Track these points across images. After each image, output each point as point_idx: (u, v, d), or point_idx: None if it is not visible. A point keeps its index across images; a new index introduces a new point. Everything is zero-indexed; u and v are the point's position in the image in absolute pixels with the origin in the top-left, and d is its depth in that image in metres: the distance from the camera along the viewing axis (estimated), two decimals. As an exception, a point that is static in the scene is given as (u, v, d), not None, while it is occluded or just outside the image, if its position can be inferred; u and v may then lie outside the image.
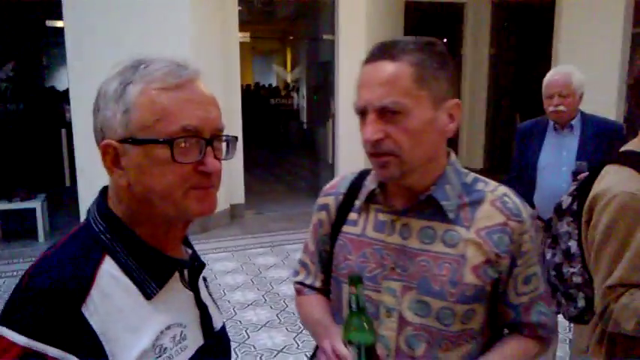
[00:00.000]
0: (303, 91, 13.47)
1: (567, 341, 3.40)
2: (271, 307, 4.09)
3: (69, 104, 5.92)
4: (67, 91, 6.28)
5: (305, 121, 12.95)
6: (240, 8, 6.78)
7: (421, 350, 1.09)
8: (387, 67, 1.01)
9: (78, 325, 0.76)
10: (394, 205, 1.14)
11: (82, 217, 0.94)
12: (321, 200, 1.28)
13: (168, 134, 0.82)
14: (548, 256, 1.70)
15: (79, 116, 5.45)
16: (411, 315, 1.09)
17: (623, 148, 1.53)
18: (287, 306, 4.09)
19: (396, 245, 1.11)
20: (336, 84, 7.08)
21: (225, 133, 0.90)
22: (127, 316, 0.82)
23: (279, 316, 3.93)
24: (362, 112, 1.05)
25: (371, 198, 1.17)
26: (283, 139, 13.15)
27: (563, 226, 1.64)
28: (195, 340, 0.92)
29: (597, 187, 1.46)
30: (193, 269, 0.97)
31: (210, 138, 0.85)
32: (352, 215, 1.20)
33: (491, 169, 8.89)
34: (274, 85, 16.28)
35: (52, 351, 0.74)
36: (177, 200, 0.84)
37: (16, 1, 7.24)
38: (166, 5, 5.53)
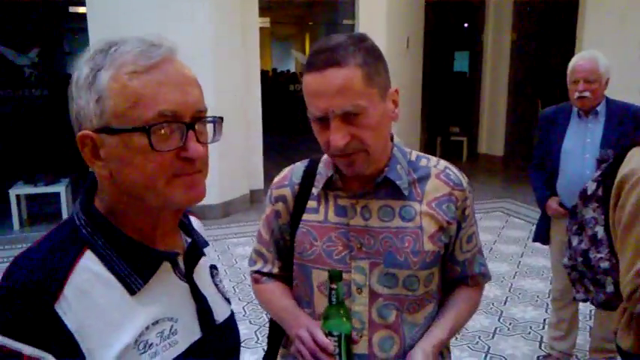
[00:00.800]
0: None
1: (587, 329, 3.39)
2: (291, 292, 4.12)
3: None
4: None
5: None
6: (260, -7, 6.76)
7: (392, 317, 1.20)
8: (338, 74, 1.05)
9: (51, 324, 0.74)
10: (352, 189, 1.22)
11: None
12: (275, 192, 1.32)
13: (144, 121, 0.77)
14: (575, 242, 1.69)
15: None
16: (380, 287, 1.19)
17: None
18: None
19: (360, 226, 1.20)
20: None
21: (211, 114, 0.85)
22: (108, 312, 0.79)
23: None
24: (321, 119, 1.09)
25: (328, 185, 1.24)
26: (302, 125, 13.14)
27: (589, 212, 1.62)
28: (189, 334, 0.89)
29: (623, 170, 1.45)
30: (190, 259, 0.93)
31: (191, 121, 0.80)
32: (311, 203, 1.26)
33: (512, 156, 8.80)
34: (292, 70, 16.25)
35: (27, 350, 0.72)
36: (160, 190, 0.80)
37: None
38: (187, -9, 5.54)
